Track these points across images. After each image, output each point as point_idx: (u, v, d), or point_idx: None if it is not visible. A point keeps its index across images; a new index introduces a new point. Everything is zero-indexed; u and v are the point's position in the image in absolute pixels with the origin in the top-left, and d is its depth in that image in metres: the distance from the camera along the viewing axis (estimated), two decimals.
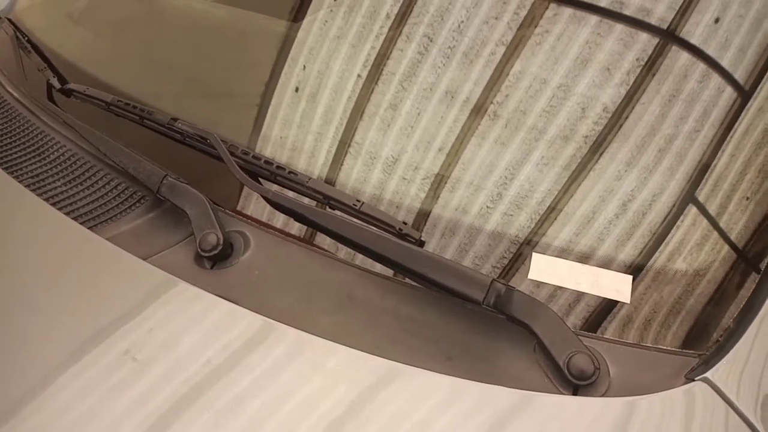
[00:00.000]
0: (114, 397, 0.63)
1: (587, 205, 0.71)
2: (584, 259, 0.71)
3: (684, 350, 0.66)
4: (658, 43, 0.71)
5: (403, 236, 0.72)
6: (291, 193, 0.80)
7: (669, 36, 0.71)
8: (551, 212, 0.72)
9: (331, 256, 0.77)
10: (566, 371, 0.62)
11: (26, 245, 0.81)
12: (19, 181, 0.88)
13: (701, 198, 0.70)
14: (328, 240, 0.76)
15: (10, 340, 0.69)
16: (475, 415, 0.60)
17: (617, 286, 0.68)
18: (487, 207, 0.74)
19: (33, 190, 0.87)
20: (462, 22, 0.77)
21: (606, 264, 0.70)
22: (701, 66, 0.71)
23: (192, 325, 0.68)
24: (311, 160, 0.84)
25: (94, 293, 0.74)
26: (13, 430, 0.61)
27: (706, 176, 0.70)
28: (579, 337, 0.64)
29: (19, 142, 0.99)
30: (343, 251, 0.77)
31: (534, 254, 0.71)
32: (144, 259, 0.76)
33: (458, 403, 0.61)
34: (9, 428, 0.62)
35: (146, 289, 0.73)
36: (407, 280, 0.74)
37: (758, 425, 0.60)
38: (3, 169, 0.91)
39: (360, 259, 0.76)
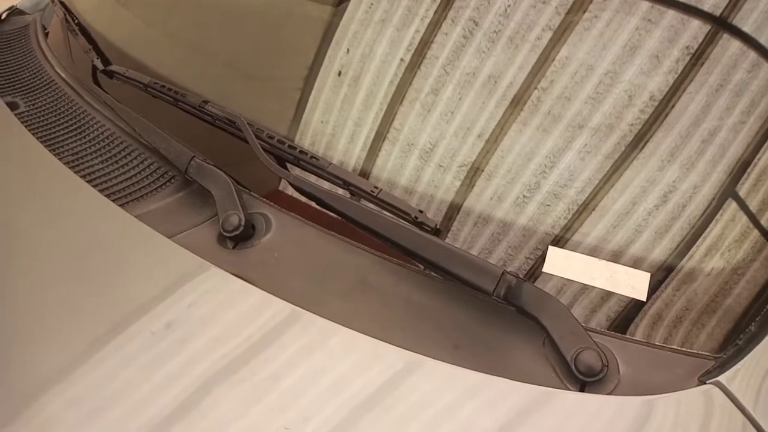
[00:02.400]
0: (154, 368, 0.74)
1: (627, 195, 0.78)
2: (619, 251, 0.78)
3: (699, 352, 0.72)
4: (709, 31, 0.78)
5: (419, 224, 0.82)
6: (312, 178, 0.91)
7: (721, 23, 0.78)
8: (590, 202, 0.79)
9: (349, 241, 0.88)
10: (573, 367, 0.69)
11: (62, 221, 0.94)
12: (60, 158, 1.03)
13: (742, 193, 0.76)
14: (346, 224, 0.86)
15: (51, 312, 0.81)
16: (490, 410, 0.68)
17: (634, 283, 0.75)
18: (524, 196, 0.82)
19: (71, 168, 1.01)
20: (509, 6, 0.85)
21: (641, 257, 0.77)
22: (752, 55, 0.77)
23: (219, 313, 0.79)
24: (350, 144, 0.94)
25: (124, 270, 0.86)
26: (60, 396, 0.72)
27: (748, 171, 0.77)
28: (589, 333, 0.71)
29: (62, 120, 1.14)
30: (361, 236, 0.86)
31: (550, 247, 0.79)
32: (169, 238, 0.88)
33: (474, 397, 0.69)
34: (56, 393, 0.72)
35: (172, 270, 0.84)
36: (421, 267, 0.83)
37: None
38: (46, 146, 1.06)
39: (376, 244, 0.85)
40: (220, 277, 0.82)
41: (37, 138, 1.10)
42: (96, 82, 1.22)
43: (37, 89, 1.26)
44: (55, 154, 1.06)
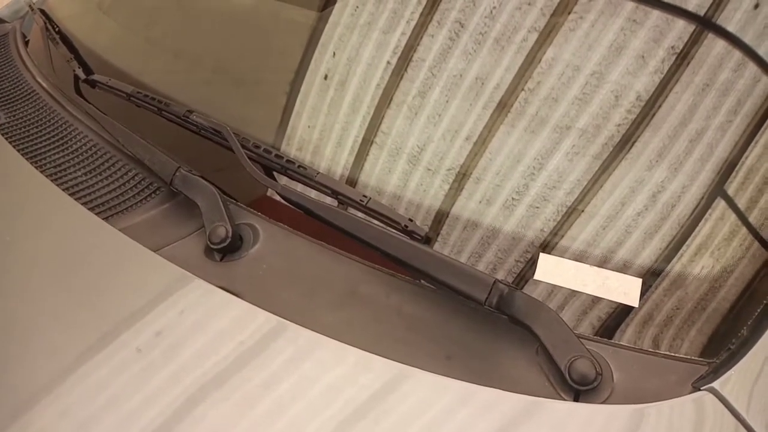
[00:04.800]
0: (144, 379, 0.77)
1: (616, 196, 0.81)
2: (609, 253, 0.81)
3: (692, 357, 0.76)
4: (693, 31, 0.82)
5: (409, 233, 0.85)
6: (300, 187, 0.94)
7: (705, 23, 0.82)
8: (579, 204, 0.83)
9: (338, 251, 0.91)
10: (567, 376, 0.72)
11: (46, 236, 0.98)
12: (42, 171, 1.07)
13: (730, 192, 0.80)
14: (335, 234, 0.89)
15: (40, 325, 0.85)
16: (479, 420, 0.71)
17: (625, 289, 0.79)
18: (513, 199, 0.85)
19: (54, 180, 1.05)
20: (494, 7, 0.89)
21: (632, 258, 0.81)
22: (737, 54, 0.81)
23: (205, 325, 0.82)
24: (337, 149, 0.97)
25: (110, 286, 0.89)
26: (51, 407, 0.76)
27: (736, 169, 0.80)
28: (582, 340, 0.74)
29: (44, 131, 1.18)
30: (350, 246, 0.89)
31: (541, 255, 0.83)
32: (155, 251, 0.91)
33: (463, 408, 0.72)
34: (47, 404, 0.76)
35: (159, 285, 0.87)
36: (412, 276, 0.86)
37: None
38: (27, 159, 1.10)
39: (366, 254, 0.88)
40: (208, 291, 0.86)
41: (18, 150, 1.14)
42: (78, 91, 1.26)
43: (17, 100, 1.30)
44: (36, 167, 1.10)
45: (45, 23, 1.36)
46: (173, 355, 0.79)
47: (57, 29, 1.35)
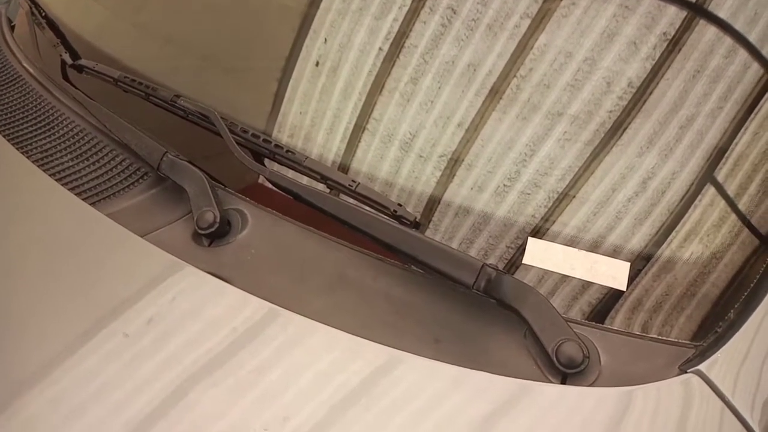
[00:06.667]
0: (134, 366, 0.79)
1: (607, 183, 0.84)
2: (600, 238, 0.84)
3: (680, 341, 0.78)
4: (685, 17, 0.84)
5: (398, 217, 0.87)
6: (289, 172, 0.96)
7: (697, 9, 0.84)
8: (570, 190, 0.85)
9: (327, 236, 0.93)
10: (555, 359, 0.75)
11: (32, 222, 0.99)
12: (28, 157, 1.08)
13: (720, 178, 0.83)
14: (324, 219, 0.90)
15: (28, 312, 0.86)
16: (468, 404, 0.73)
17: (613, 273, 0.81)
18: (504, 186, 0.88)
19: (40, 166, 1.06)
20: None
21: (622, 244, 0.83)
22: (728, 41, 0.84)
23: (197, 312, 0.83)
24: (329, 136, 0.99)
25: (98, 271, 0.90)
26: (40, 395, 0.77)
27: (726, 156, 0.83)
28: (570, 324, 0.77)
29: (30, 117, 1.19)
30: (339, 231, 0.91)
31: (530, 239, 0.85)
32: (142, 236, 0.92)
33: (452, 392, 0.74)
34: (36, 392, 0.77)
35: (146, 270, 0.89)
36: (400, 261, 0.88)
37: (753, 425, 0.70)
38: (13, 144, 1.11)
39: (355, 239, 0.90)
40: (196, 276, 0.87)
41: (4, 136, 1.15)
42: (65, 77, 1.27)
43: (3, 85, 1.31)
44: (23, 152, 1.11)
45: (31, 7, 1.37)
46: (165, 341, 0.81)
47: (43, 14, 1.36)
